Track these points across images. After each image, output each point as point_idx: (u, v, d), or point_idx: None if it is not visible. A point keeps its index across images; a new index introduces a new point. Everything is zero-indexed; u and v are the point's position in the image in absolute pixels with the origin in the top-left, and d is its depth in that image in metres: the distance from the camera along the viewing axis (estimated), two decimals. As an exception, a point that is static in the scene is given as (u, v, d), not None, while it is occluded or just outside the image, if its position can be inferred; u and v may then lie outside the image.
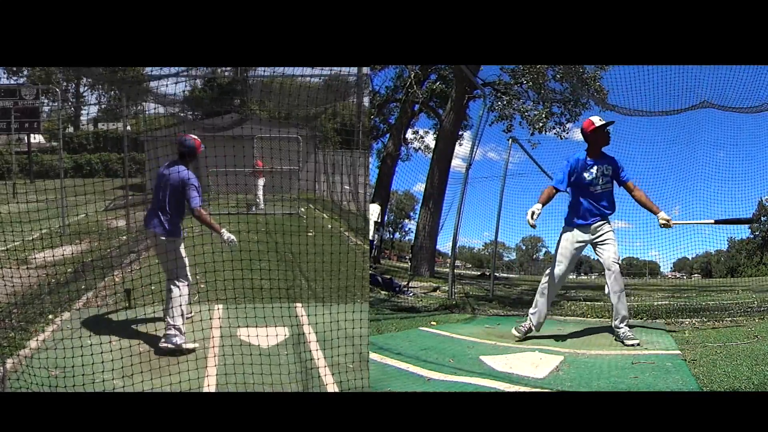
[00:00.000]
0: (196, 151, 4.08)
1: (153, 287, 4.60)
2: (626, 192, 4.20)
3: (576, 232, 4.13)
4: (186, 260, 4.05)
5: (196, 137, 4.13)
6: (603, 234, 4.08)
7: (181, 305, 3.85)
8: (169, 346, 3.75)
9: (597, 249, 4.12)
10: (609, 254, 4.01)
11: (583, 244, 4.15)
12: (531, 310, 4.27)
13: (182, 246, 4.08)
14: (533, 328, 4.23)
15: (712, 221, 4.42)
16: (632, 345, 3.82)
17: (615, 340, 4.03)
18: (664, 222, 4.01)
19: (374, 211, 9.65)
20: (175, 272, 3.92)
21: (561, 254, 4.16)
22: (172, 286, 3.91)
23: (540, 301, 4.21)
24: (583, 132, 4.18)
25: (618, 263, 4.01)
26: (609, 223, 4.14)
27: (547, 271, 4.23)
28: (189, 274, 4.07)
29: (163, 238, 3.91)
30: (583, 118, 10.41)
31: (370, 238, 9.51)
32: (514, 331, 4.23)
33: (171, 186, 3.95)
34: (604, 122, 4.06)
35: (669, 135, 8.83)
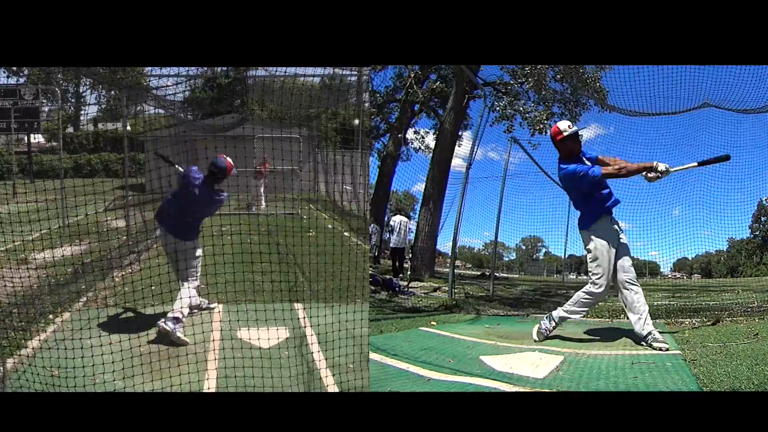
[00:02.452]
0: (227, 172, 4.23)
1: (153, 288, 4.60)
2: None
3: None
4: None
5: (230, 160, 4.27)
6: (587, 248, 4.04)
7: (190, 296, 4.08)
8: (167, 327, 3.87)
9: None
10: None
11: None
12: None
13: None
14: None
15: (695, 164, 4.04)
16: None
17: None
18: (654, 176, 3.81)
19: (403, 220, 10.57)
20: (193, 273, 4.20)
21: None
22: (188, 284, 4.15)
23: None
24: (552, 140, 4.02)
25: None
26: (584, 234, 4.03)
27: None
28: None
29: (191, 243, 4.17)
30: (583, 119, 10.41)
31: (401, 245, 10.39)
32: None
33: (203, 202, 4.19)
34: (573, 130, 3.92)
35: (669, 136, 8.84)
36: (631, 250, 4.07)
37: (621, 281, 3.91)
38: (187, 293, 4.05)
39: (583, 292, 4.04)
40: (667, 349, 3.67)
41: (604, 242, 3.91)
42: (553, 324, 4.17)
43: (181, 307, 3.96)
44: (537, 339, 4.15)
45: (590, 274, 4.01)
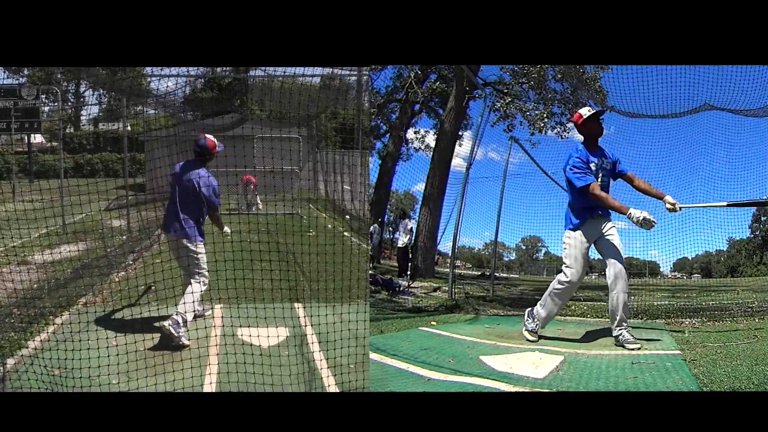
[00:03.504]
0: (211, 150, 4.16)
1: (154, 288, 4.60)
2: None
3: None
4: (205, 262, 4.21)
5: (211, 137, 4.22)
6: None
7: (194, 301, 3.97)
8: (172, 331, 3.77)
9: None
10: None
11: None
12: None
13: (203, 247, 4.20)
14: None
15: (725, 204, 4.20)
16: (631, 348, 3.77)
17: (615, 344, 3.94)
18: (670, 206, 3.89)
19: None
20: (196, 273, 4.10)
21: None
22: (193, 283, 4.06)
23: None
24: (575, 125, 4.20)
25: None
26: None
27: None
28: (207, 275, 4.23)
29: (185, 241, 4.03)
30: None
31: (401, 245, 10.86)
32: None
33: (193, 189, 4.06)
34: (593, 112, 4.07)
35: (670, 136, 8.82)
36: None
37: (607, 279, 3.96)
38: (191, 298, 3.96)
39: (556, 281, 4.13)
40: (639, 348, 3.72)
41: (578, 236, 4.02)
42: (537, 321, 4.20)
43: (185, 311, 3.87)
44: (532, 339, 4.16)
45: (563, 263, 4.11)
